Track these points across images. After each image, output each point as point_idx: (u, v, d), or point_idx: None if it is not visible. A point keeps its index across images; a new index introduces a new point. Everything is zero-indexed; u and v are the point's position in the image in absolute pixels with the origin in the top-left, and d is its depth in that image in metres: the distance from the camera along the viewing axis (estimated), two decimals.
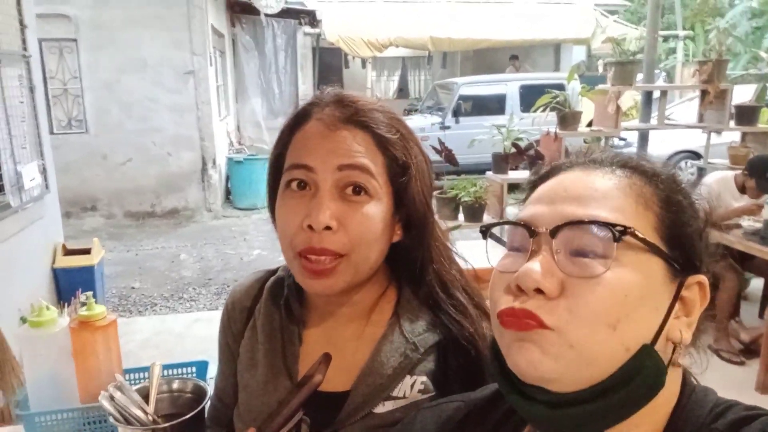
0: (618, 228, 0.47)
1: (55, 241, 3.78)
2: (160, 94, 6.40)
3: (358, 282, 0.74)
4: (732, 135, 4.76)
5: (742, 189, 3.41)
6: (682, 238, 0.51)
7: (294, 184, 0.72)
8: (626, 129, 4.73)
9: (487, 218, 3.55)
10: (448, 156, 3.36)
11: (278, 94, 9.16)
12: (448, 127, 8.53)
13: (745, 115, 4.36)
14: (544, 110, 4.24)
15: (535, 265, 0.48)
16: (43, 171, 3.45)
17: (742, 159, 3.96)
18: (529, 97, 7.33)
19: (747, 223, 3.22)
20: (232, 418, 0.84)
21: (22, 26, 3.27)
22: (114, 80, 6.24)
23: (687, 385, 0.52)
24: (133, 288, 4.62)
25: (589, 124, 4.73)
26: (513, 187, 3.85)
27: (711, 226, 0.54)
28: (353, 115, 0.72)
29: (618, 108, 4.16)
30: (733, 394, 0.51)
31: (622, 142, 6.61)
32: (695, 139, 6.13)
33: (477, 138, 4.24)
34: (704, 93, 4.38)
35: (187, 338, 3.57)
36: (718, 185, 3.44)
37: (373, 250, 0.73)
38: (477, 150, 4.69)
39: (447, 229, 0.85)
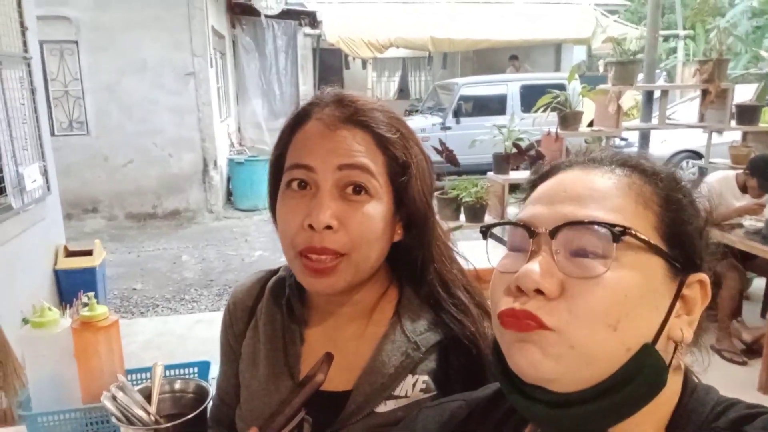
0: (617, 228, 0.47)
1: (56, 243, 3.78)
2: (161, 95, 6.40)
3: (359, 281, 0.74)
4: (733, 134, 4.76)
5: (744, 188, 3.41)
6: (682, 236, 0.51)
7: (294, 184, 0.72)
8: (627, 129, 4.72)
9: (488, 218, 3.54)
10: (449, 156, 3.36)
11: (279, 95, 9.16)
12: (449, 128, 8.53)
13: (746, 114, 4.36)
14: (544, 110, 4.23)
15: (534, 266, 0.48)
16: (45, 173, 3.45)
17: (744, 158, 3.96)
18: (530, 97, 7.33)
19: (748, 222, 3.21)
20: (234, 418, 0.84)
21: (23, 28, 3.27)
22: (115, 82, 6.24)
23: (689, 384, 0.52)
24: (134, 289, 4.61)
25: (590, 124, 4.73)
26: (514, 188, 3.83)
27: (712, 225, 0.54)
28: (353, 115, 0.72)
29: (619, 108, 4.16)
30: (735, 395, 0.51)
31: (623, 142, 6.60)
32: (696, 139, 6.12)
33: (478, 138, 4.25)
34: (705, 92, 4.38)
35: (189, 339, 3.56)
36: (719, 184, 3.43)
37: (373, 250, 0.73)
38: (478, 150, 4.69)
39: (448, 229, 0.85)
